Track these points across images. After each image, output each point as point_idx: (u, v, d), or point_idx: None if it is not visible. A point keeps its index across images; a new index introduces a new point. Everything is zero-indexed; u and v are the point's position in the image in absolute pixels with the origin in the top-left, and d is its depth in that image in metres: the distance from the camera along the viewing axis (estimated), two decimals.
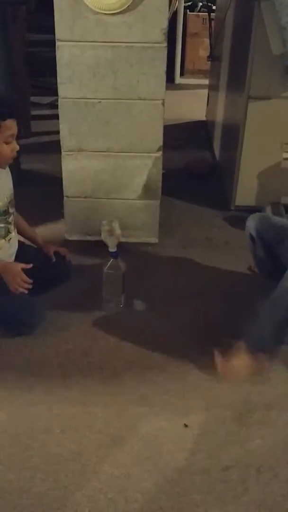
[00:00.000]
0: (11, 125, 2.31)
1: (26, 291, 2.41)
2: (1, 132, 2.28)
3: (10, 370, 2.33)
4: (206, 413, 2.15)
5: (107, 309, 2.70)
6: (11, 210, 2.53)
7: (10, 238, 2.55)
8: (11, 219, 2.54)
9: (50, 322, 2.55)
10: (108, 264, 2.62)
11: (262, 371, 2.29)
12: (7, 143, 2.33)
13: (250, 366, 2.26)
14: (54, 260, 2.68)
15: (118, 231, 2.67)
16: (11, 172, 2.55)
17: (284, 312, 2.22)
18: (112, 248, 2.61)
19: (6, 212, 2.49)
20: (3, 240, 2.50)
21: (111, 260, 2.62)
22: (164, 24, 2.72)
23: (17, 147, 2.38)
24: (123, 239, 3.24)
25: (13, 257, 2.59)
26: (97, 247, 3.17)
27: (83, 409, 2.15)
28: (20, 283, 2.39)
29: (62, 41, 2.76)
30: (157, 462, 1.94)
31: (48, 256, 2.69)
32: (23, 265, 2.44)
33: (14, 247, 2.60)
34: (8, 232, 2.52)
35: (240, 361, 2.25)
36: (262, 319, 2.26)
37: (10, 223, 2.53)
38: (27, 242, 2.77)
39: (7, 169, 2.52)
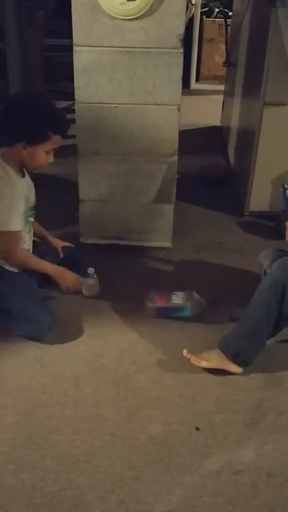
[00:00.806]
0: (58, 141, 2.46)
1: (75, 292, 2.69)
2: (48, 143, 2.43)
3: (23, 370, 2.36)
4: (218, 417, 2.15)
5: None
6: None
7: (31, 234, 2.70)
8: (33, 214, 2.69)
9: (64, 324, 2.58)
10: (192, 297, 2.74)
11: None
12: (47, 153, 2.46)
13: (217, 362, 2.32)
14: (62, 255, 2.84)
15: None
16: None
17: (255, 323, 2.29)
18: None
19: (33, 208, 2.65)
20: (28, 235, 2.64)
21: (204, 306, 2.74)
22: (181, 30, 2.74)
23: (52, 160, 2.51)
24: (137, 243, 3.27)
25: (31, 252, 2.71)
26: (112, 251, 3.20)
27: (96, 411, 2.16)
28: (74, 282, 2.68)
29: (79, 46, 2.79)
30: (168, 465, 1.95)
31: (57, 251, 2.85)
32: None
33: (31, 243, 2.72)
34: (32, 226, 2.68)
35: (209, 355, 2.34)
36: (239, 327, 2.35)
37: (33, 219, 2.68)
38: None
39: None
